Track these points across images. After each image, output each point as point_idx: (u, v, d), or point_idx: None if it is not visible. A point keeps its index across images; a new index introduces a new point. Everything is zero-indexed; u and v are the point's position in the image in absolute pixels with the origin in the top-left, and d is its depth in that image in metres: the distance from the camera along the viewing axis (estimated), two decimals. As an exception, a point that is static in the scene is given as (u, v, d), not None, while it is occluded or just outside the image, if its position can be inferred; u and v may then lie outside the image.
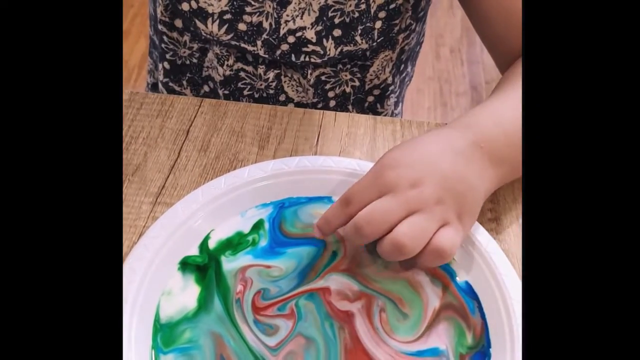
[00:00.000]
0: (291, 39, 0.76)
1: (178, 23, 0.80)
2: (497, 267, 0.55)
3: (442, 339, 0.51)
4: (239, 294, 0.53)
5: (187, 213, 0.57)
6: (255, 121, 0.70)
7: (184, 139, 0.67)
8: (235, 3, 0.74)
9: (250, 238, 0.58)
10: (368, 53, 0.81)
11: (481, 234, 0.57)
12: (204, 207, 0.58)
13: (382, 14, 0.76)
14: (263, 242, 0.58)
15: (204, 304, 0.52)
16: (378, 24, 0.77)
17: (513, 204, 0.63)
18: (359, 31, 0.76)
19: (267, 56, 0.78)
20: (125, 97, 0.73)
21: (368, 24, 0.76)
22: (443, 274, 0.56)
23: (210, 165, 0.65)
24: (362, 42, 0.77)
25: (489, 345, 0.51)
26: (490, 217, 0.62)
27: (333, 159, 0.64)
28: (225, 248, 0.57)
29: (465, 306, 0.54)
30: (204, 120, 0.70)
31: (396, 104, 0.95)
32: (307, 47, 0.77)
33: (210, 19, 0.75)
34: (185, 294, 0.53)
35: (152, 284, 0.52)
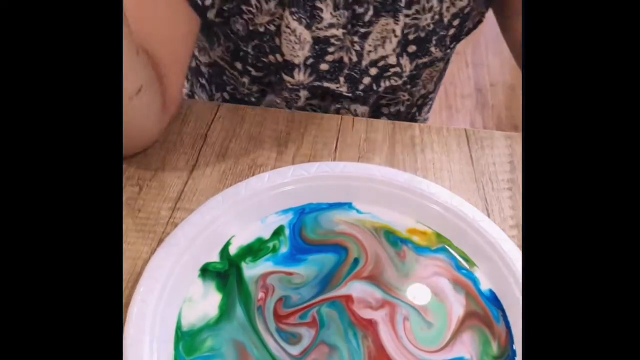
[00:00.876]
0: (373, 70, 0.74)
1: (238, 65, 0.78)
2: (521, 275, 0.54)
3: (467, 348, 0.51)
4: (260, 301, 0.53)
5: (207, 219, 0.57)
6: (274, 126, 0.70)
7: (202, 144, 0.67)
8: (317, 47, 0.71)
9: (270, 244, 0.58)
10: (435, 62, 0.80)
11: (504, 241, 0.56)
12: (224, 213, 0.58)
13: (456, 22, 0.73)
14: (284, 249, 0.57)
15: (225, 311, 0.52)
16: (452, 31, 0.74)
17: (535, 211, 0.62)
18: (433, 42, 0.73)
19: (349, 94, 0.76)
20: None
21: (442, 33, 0.73)
22: (466, 282, 0.56)
23: (229, 170, 0.64)
24: (436, 51, 0.75)
25: (514, 355, 0.51)
26: (512, 223, 0.61)
27: (353, 164, 0.63)
28: (246, 254, 0.56)
29: (489, 314, 0.53)
30: (222, 125, 0.70)
31: (429, 110, 0.95)
32: (388, 72, 0.75)
33: (296, 70, 0.72)
34: (206, 301, 0.52)
35: (173, 291, 0.51)
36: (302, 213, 0.61)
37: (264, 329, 0.51)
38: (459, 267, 0.57)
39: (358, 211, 0.61)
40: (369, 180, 0.62)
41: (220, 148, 0.67)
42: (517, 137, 0.72)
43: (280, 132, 0.69)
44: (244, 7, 0.67)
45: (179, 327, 0.50)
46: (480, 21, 0.76)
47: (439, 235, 0.59)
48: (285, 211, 0.61)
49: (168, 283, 0.52)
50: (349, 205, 0.62)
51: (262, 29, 0.69)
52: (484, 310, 0.53)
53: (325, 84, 0.74)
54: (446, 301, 0.54)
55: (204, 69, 0.85)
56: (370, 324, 0.51)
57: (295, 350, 0.49)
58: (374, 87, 0.75)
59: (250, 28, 0.69)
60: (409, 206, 0.61)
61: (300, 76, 0.72)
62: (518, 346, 0.51)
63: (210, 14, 0.67)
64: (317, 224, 0.60)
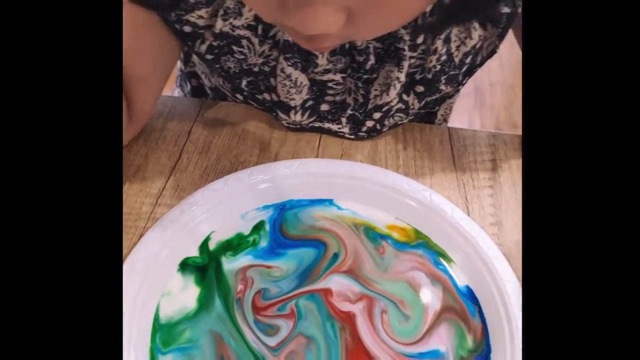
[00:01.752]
0: (377, 115, 0.70)
1: (239, 97, 0.74)
2: (499, 272, 0.54)
3: (442, 341, 0.51)
4: (240, 294, 0.53)
5: (187, 215, 0.57)
6: (257, 123, 0.70)
7: (185, 141, 0.67)
8: (315, 88, 0.68)
9: (250, 239, 0.58)
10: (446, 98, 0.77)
11: (483, 239, 0.57)
12: (204, 209, 0.58)
13: (468, 59, 0.68)
14: (263, 243, 0.58)
15: (204, 303, 0.52)
16: (464, 68, 0.69)
17: (515, 209, 0.63)
18: (443, 81, 0.68)
19: (351, 137, 0.71)
20: (126, 99, 0.73)
21: (452, 72, 0.68)
22: (443, 277, 0.56)
23: (212, 167, 0.64)
24: (447, 88, 0.70)
25: (489, 351, 0.51)
26: (492, 221, 0.62)
27: (335, 161, 0.64)
28: (226, 249, 0.57)
29: (465, 309, 0.54)
30: (206, 122, 0.70)
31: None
32: (392, 112, 0.70)
33: (292, 111, 0.69)
34: (185, 294, 0.53)
35: (152, 285, 0.52)
36: (282, 209, 0.61)
37: (242, 320, 0.51)
38: (436, 263, 0.57)
39: (338, 207, 0.62)
40: (350, 177, 0.63)
41: (204, 145, 0.67)
42: (500, 137, 0.72)
43: (263, 129, 0.70)
44: (235, 48, 0.65)
45: (156, 319, 0.51)
46: (494, 51, 0.69)
47: (417, 232, 0.60)
48: (266, 207, 0.61)
49: (147, 277, 0.52)
50: (330, 202, 0.62)
51: (256, 69, 0.67)
52: (460, 305, 0.54)
53: (327, 125, 0.71)
54: (423, 295, 0.54)
55: (208, 91, 0.83)
56: (349, 317, 0.52)
57: (272, 342, 0.50)
58: (378, 127, 0.71)
59: (244, 67, 0.67)
60: (389, 203, 0.61)
61: (297, 117, 0.70)
62: (493, 341, 0.51)
63: (201, 49, 0.65)
64: (298, 220, 0.60)
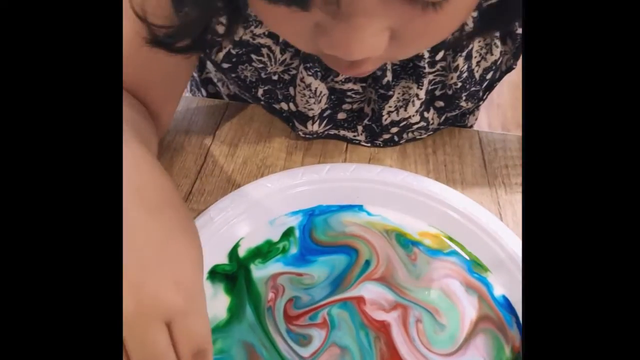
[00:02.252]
0: (394, 130, 0.69)
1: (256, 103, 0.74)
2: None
3: (480, 351, 0.50)
4: (270, 302, 0.52)
5: (216, 221, 0.56)
6: (283, 126, 0.69)
7: (210, 143, 0.66)
8: (333, 97, 0.67)
9: (280, 246, 0.57)
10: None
11: (517, 246, 0.56)
12: (233, 215, 0.57)
13: (489, 75, 0.66)
14: (293, 250, 0.57)
15: (235, 313, 0.51)
16: (485, 84, 0.68)
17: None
18: (464, 98, 0.67)
19: (367, 145, 0.70)
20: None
21: (473, 89, 0.67)
22: (479, 286, 0.55)
23: (238, 170, 0.63)
24: (467, 104, 0.68)
25: (528, 360, 0.50)
26: (525, 227, 0.60)
27: (364, 166, 0.63)
28: (255, 256, 0.56)
29: (503, 319, 0.52)
30: (231, 125, 0.69)
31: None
32: (412, 128, 0.69)
33: (310, 121, 0.67)
34: (215, 303, 0.52)
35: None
36: (311, 215, 0.60)
37: (274, 329, 0.50)
38: (471, 271, 0.56)
39: (368, 213, 0.61)
40: (380, 182, 0.61)
41: (229, 148, 0.66)
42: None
43: (289, 132, 0.69)
44: (254, 56, 0.63)
45: (187, 328, 0.50)
46: (511, 67, 0.68)
47: (450, 239, 0.59)
48: (295, 213, 0.60)
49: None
50: (359, 208, 0.61)
51: (275, 77, 0.65)
52: (497, 315, 0.52)
53: (342, 132, 0.70)
54: (459, 304, 0.53)
55: (225, 97, 0.82)
56: (383, 326, 0.51)
57: (306, 352, 0.49)
58: (396, 139, 0.70)
59: (263, 76, 0.65)
60: (421, 209, 0.60)
61: (314, 127, 0.68)
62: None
63: (218, 57, 0.64)
64: (327, 226, 0.59)
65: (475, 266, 0.56)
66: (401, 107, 0.66)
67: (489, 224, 0.57)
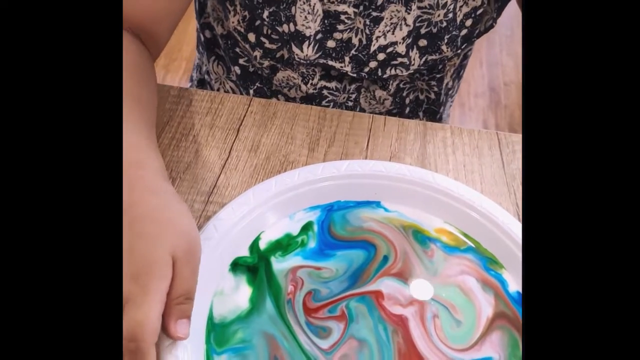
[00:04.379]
0: (381, 56, 0.75)
1: (251, 37, 0.78)
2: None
3: (495, 348, 0.51)
4: (290, 295, 0.53)
5: (238, 214, 0.57)
6: (305, 123, 0.71)
7: (234, 139, 0.68)
8: (326, 21, 0.73)
9: (299, 239, 0.58)
10: (446, 61, 0.81)
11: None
12: (255, 209, 0.58)
13: (468, 22, 0.75)
14: (312, 244, 0.58)
15: (256, 304, 0.52)
16: (463, 32, 0.76)
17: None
18: (445, 40, 0.75)
19: (354, 74, 0.77)
20: (174, 93, 0.73)
21: (454, 32, 0.75)
22: (495, 283, 0.56)
23: (261, 165, 0.65)
24: (447, 50, 0.76)
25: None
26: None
27: (384, 163, 0.64)
28: (275, 249, 0.57)
29: (518, 316, 0.53)
30: (254, 120, 0.70)
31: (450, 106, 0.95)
32: (396, 60, 0.76)
33: (306, 43, 0.74)
34: (237, 295, 0.53)
35: (205, 285, 0.52)
36: (330, 210, 0.61)
37: (294, 321, 0.51)
38: (487, 269, 0.57)
39: (385, 209, 0.62)
40: (398, 179, 0.62)
41: (252, 143, 0.67)
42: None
43: (311, 129, 0.70)
44: None
45: (210, 318, 0.51)
46: (492, 26, 0.77)
47: (467, 236, 0.60)
48: (314, 208, 0.61)
49: (201, 276, 0.52)
50: (377, 204, 0.62)
51: None
52: (512, 312, 0.54)
53: (330, 62, 0.75)
54: (475, 300, 0.54)
55: (220, 41, 0.85)
56: (401, 320, 0.52)
57: (325, 344, 0.50)
58: (379, 73, 0.76)
59: None
60: (438, 206, 0.61)
61: (308, 50, 0.74)
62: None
63: None
64: (346, 221, 0.60)
65: (491, 263, 0.57)
66: (389, 31, 0.73)
67: (506, 223, 0.58)
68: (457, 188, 0.62)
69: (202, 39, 0.89)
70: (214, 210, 0.59)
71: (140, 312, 0.42)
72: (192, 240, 0.48)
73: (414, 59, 0.76)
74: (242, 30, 0.77)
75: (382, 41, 0.74)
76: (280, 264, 0.56)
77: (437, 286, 0.55)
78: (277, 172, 0.64)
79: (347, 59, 0.75)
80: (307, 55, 0.74)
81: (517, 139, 0.72)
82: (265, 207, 0.59)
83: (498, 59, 2.56)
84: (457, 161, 0.68)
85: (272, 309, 0.52)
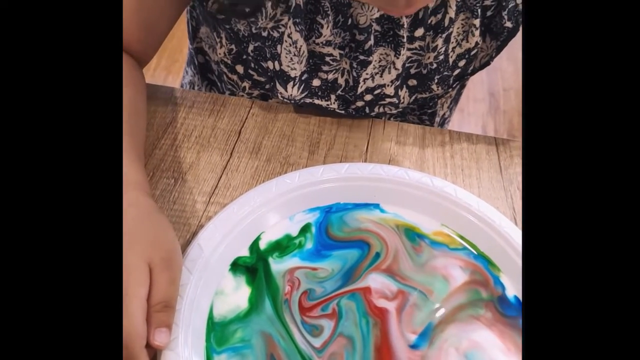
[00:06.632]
0: (368, 97, 0.73)
1: (239, 69, 0.77)
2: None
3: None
4: (287, 295, 0.54)
5: (240, 215, 0.58)
6: (305, 126, 0.72)
7: (236, 140, 0.69)
8: (311, 61, 0.71)
9: (297, 241, 0.59)
10: (436, 99, 0.80)
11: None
12: (255, 210, 0.59)
13: (461, 63, 0.73)
14: (309, 245, 0.59)
15: (255, 304, 0.53)
16: (456, 71, 0.74)
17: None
18: (436, 80, 0.73)
19: (342, 111, 0.74)
20: (176, 94, 0.74)
21: (445, 73, 0.73)
22: (477, 265, 0.59)
23: (262, 167, 0.66)
24: (437, 89, 0.75)
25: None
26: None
27: (383, 166, 0.65)
28: (274, 250, 0.58)
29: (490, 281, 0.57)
30: (255, 123, 0.71)
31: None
32: (384, 101, 0.74)
33: (291, 83, 0.71)
34: (237, 294, 0.54)
35: (206, 284, 0.53)
36: (328, 212, 0.62)
37: (291, 321, 0.52)
38: (488, 270, 0.58)
39: (382, 211, 0.63)
40: (398, 182, 0.63)
41: (254, 145, 0.68)
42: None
43: (312, 132, 0.71)
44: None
45: (210, 318, 0.52)
46: (488, 63, 0.75)
47: (463, 239, 0.61)
48: (313, 210, 0.62)
49: (202, 276, 0.53)
50: (375, 206, 0.63)
51: (265, 34, 0.68)
52: (483, 276, 0.58)
53: (316, 101, 0.73)
54: (450, 279, 0.57)
55: (214, 66, 0.85)
56: (382, 313, 0.54)
57: (317, 343, 0.51)
58: (367, 111, 0.75)
59: (254, 31, 0.69)
60: (436, 209, 0.62)
61: (293, 90, 0.71)
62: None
63: (213, 7, 0.68)
64: (343, 223, 0.61)
65: (489, 265, 0.58)
66: (377, 73, 0.71)
67: (502, 226, 0.59)
68: (455, 191, 0.63)
69: (196, 62, 0.88)
70: (215, 210, 0.60)
71: (124, 319, 0.43)
72: (170, 250, 0.50)
73: (403, 98, 0.75)
74: (229, 62, 0.76)
75: (369, 83, 0.72)
76: (278, 265, 0.57)
77: (421, 276, 0.57)
78: (278, 173, 0.65)
79: (332, 97, 0.73)
80: (291, 95, 0.72)
81: (515, 144, 0.73)
82: (266, 208, 0.60)
83: (498, 64, 2.56)
84: (455, 165, 0.68)
85: (270, 309, 0.53)
